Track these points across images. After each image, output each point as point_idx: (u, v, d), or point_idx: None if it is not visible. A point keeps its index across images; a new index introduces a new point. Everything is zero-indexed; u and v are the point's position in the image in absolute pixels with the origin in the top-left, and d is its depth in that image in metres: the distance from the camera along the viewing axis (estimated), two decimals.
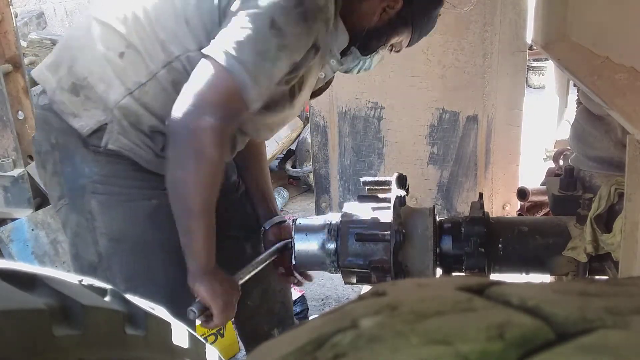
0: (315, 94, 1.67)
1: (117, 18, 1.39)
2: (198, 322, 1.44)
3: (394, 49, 1.59)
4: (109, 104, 1.37)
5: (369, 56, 1.54)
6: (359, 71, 1.60)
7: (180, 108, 1.26)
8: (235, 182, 1.74)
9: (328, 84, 1.67)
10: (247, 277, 1.53)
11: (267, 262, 1.62)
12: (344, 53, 1.54)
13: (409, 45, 1.59)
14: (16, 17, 2.49)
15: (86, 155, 1.41)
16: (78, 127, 1.39)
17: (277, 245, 1.66)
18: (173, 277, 1.46)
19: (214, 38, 1.30)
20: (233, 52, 1.24)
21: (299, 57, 1.34)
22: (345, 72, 1.61)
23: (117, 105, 1.37)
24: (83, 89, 1.39)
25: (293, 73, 1.39)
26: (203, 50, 1.28)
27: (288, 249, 1.66)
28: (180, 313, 0.77)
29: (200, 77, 1.26)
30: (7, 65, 2.36)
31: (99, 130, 1.39)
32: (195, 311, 1.40)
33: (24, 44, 3.25)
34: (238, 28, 1.26)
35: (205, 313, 1.41)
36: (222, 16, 1.32)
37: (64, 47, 1.48)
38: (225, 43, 1.26)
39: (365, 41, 1.51)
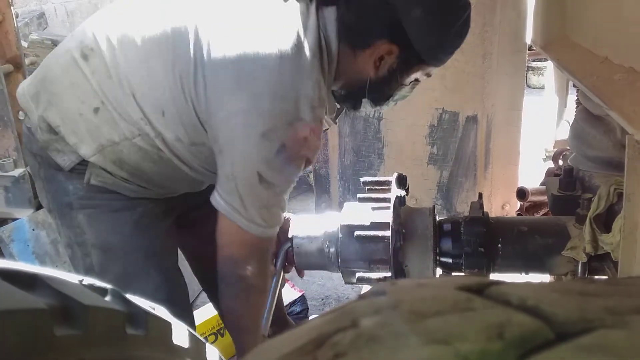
0: None
1: (92, 69, 1.34)
2: None
3: (419, 80, 1.50)
4: (80, 154, 1.37)
5: (385, 103, 1.50)
6: (390, 105, 1.54)
7: (225, 262, 1.41)
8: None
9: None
10: (271, 314, 1.59)
11: (279, 284, 1.65)
12: (355, 107, 1.51)
13: (439, 65, 1.48)
14: (17, 17, 2.48)
15: (68, 174, 1.41)
16: (60, 162, 1.38)
17: (279, 259, 1.66)
18: (161, 281, 1.49)
19: (190, 133, 1.35)
20: (244, 214, 1.35)
21: (296, 180, 1.42)
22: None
23: (87, 159, 1.37)
24: (61, 133, 1.37)
25: None
26: (218, 207, 1.36)
27: (290, 251, 1.66)
28: (174, 313, 0.77)
29: (230, 238, 1.40)
30: (8, 65, 2.36)
31: (82, 163, 1.38)
32: None
33: (25, 44, 3.24)
34: (236, 183, 1.33)
35: None
36: (202, 123, 1.34)
37: (43, 79, 1.41)
38: (233, 201, 1.34)
39: (372, 93, 1.45)
